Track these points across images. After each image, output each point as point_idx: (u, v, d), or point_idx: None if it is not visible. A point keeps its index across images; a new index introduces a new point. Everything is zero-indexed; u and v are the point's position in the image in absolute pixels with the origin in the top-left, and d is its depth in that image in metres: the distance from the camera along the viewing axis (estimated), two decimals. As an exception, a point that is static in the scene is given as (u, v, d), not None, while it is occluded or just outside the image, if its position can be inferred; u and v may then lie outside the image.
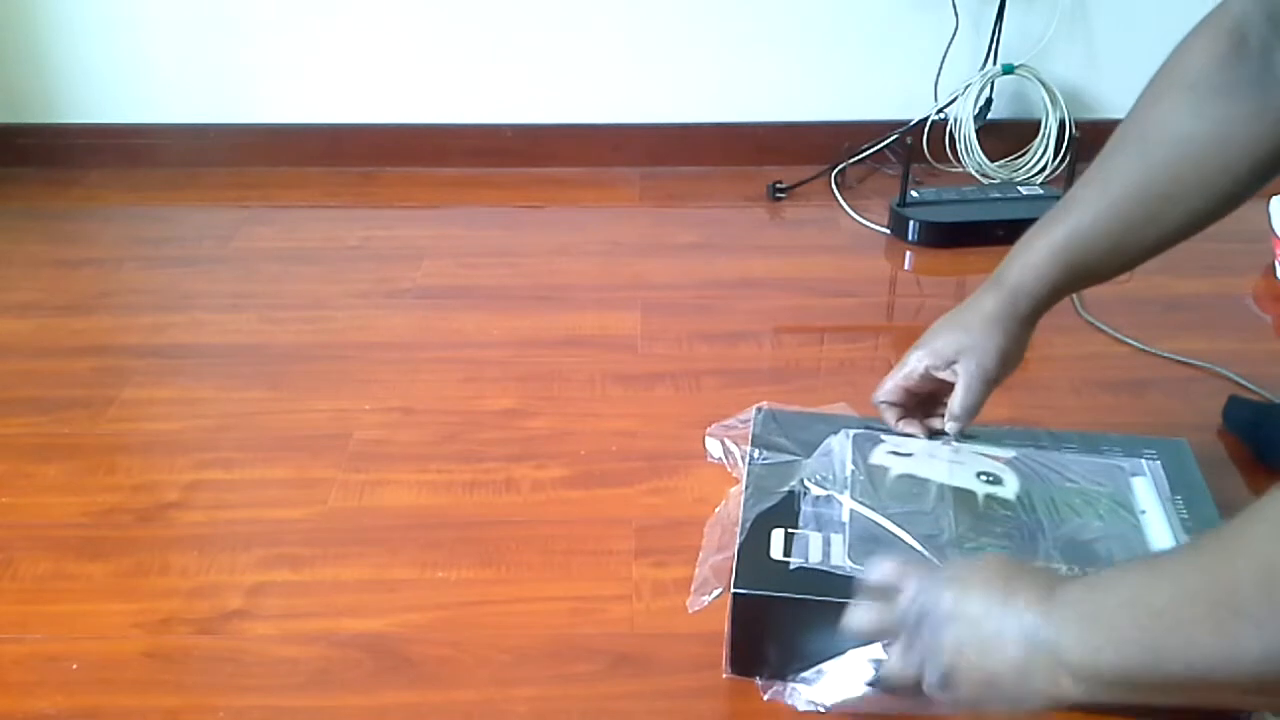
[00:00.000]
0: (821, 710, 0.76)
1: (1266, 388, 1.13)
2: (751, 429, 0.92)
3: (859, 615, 0.67)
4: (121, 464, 1.06)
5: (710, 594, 0.80)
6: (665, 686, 0.80)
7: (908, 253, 1.51)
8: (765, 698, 0.77)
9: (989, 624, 0.59)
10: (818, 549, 0.78)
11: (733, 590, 0.75)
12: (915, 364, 0.86)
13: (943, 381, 0.86)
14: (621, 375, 1.19)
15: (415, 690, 0.80)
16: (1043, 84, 1.67)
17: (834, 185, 1.68)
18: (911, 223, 1.51)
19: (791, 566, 0.77)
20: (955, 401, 0.84)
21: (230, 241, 1.54)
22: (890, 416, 0.90)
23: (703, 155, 1.77)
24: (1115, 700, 0.57)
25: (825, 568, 0.76)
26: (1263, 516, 0.49)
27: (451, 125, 1.77)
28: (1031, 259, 0.82)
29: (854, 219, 1.58)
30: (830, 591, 0.74)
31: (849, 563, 0.77)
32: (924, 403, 0.90)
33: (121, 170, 1.76)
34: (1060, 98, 1.67)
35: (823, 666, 0.75)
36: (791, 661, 0.77)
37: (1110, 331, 1.25)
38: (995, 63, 1.68)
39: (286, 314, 1.34)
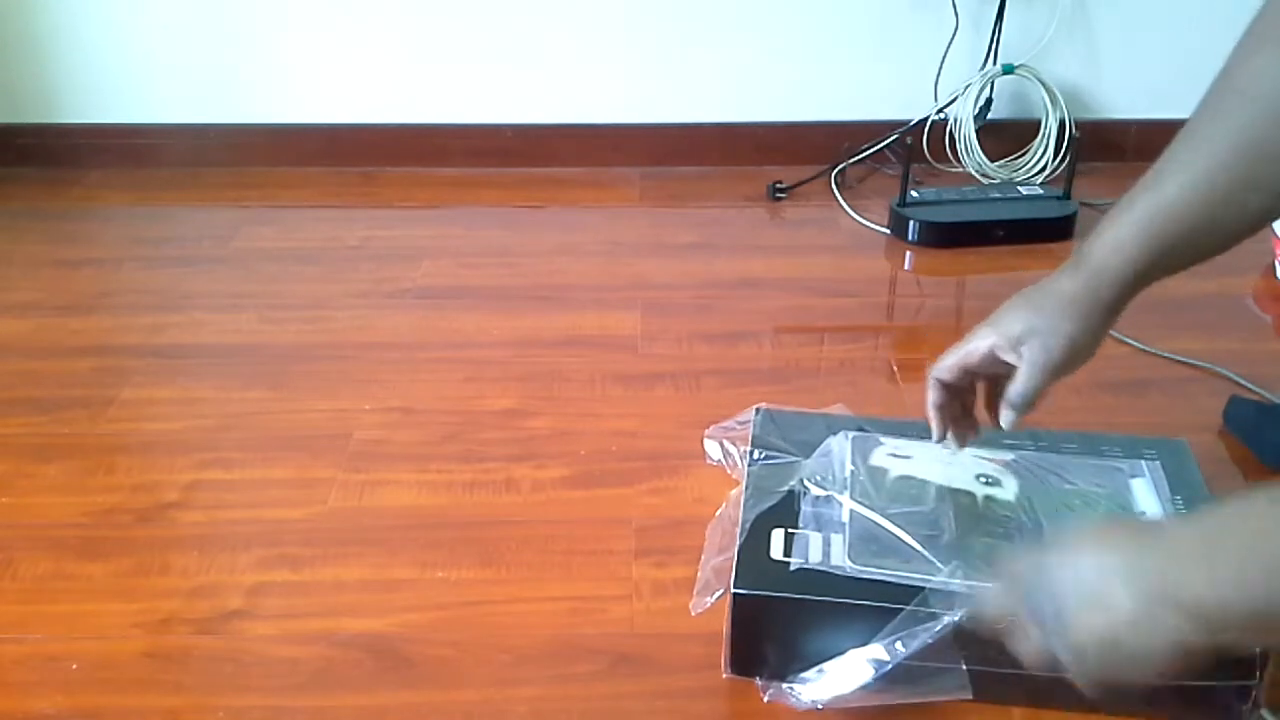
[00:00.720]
0: (818, 708, 0.75)
1: (1266, 388, 1.13)
2: (751, 430, 0.92)
3: (983, 605, 0.67)
4: (121, 464, 1.06)
5: (712, 595, 0.80)
6: (665, 686, 0.80)
7: (908, 253, 1.51)
8: (765, 698, 0.77)
9: (1101, 582, 0.57)
10: (818, 549, 0.78)
11: (732, 590, 0.75)
12: (979, 341, 0.77)
13: (1004, 365, 0.77)
14: (621, 375, 1.19)
15: (415, 690, 0.80)
16: (1043, 84, 1.67)
17: (834, 185, 1.68)
18: (911, 223, 1.51)
19: (791, 567, 0.77)
20: (1014, 388, 0.76)
21: (230, 241, 1.54)
22: (934, 395, 0.81)
23: (703, 155, 1.77)
24: (1238, 644, 0.58)
25: (825, 568, 0.77)
26: None
27: (451, 125, 1.77)
28: (1116, 235, 0.73)
29: (854, 219, 1.58)
30: (830, 592, 0.74)
31: (849, 563, 0.77)
32: (966, 401, 0.82)
33: (122, 170, 1.76)
34: (1060, 98, 1.67)
35: (823, 666, 0.75)
36: (791, 661, 0.77)
37: (1111, 332, 1.25)
38: (995, 63, 1.68)
39: (286, 314, 1.34)
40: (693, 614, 0.81)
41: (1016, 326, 0.75)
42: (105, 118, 1.76)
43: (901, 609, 0.72)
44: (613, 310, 1.33)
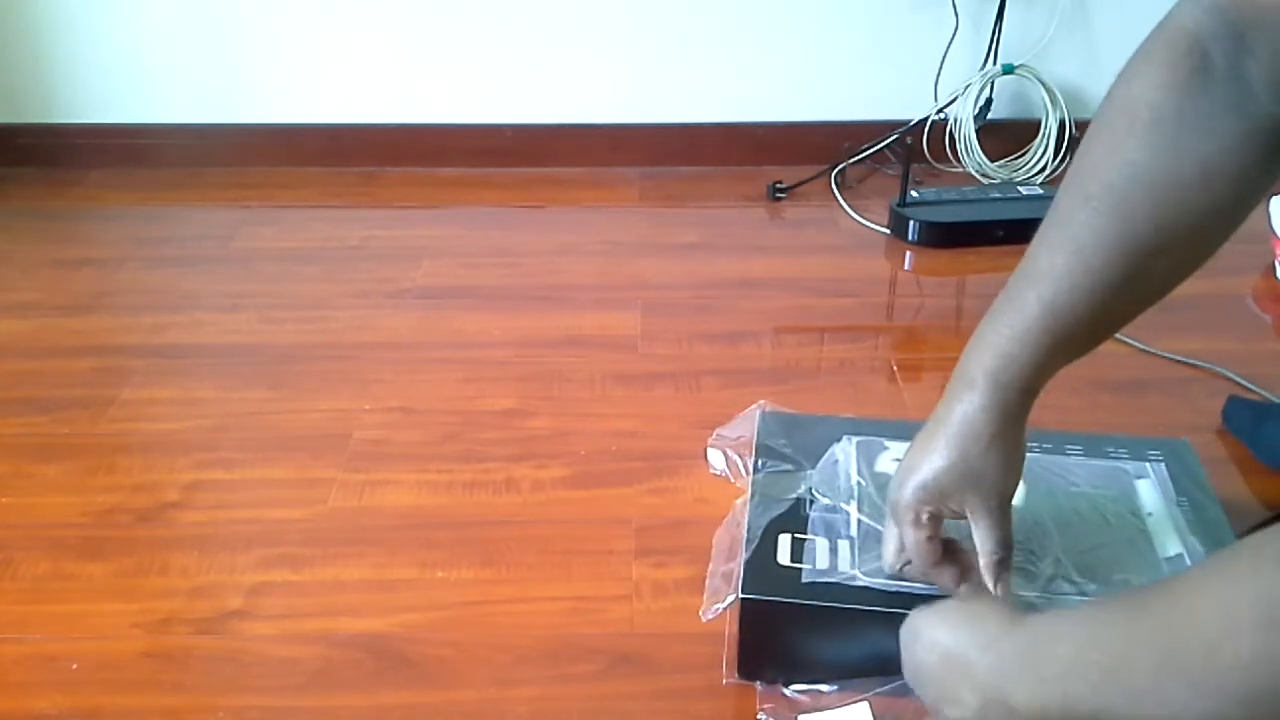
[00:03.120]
0: None
1: (1266, 388, 1.13)
2: (755, 439, 0.91)
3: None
4: (121, 464, 1.06)
5: (723, 601, 0.79)
6: (665, 686, 0.80)
7: (908, 253, 1.51)
8: (758, 709, 0.77)
9: (950, 680, 0.63)
10: (825, 556, 0.78)
11: (740, 595, 0.75)
12: (914, 511, 0.71)
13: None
14: (621, 375, 1.19)
15: (415, 690, 0.80)
16: (1043, 84, 1.67)
17: (834, 185, 1.68)
18: (911, 223, 1.51)
19: (802, 575, 0.76)
20: (986, 541, 0.71)
21: (230, 241, 1.54)
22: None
23: (703, 155, 1.77)
24: None
25: (832, 577, 0.76)
26: (1206, 584, 0.50)
27: (451, 125, 1.77)
28: (1009, 348, 0.68)
29: (854, 219, 1.58)
30: (839, 599, 0.74)
31: (857, 571, 0.77)
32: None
33: (122, 170, 1.76)
34: (1060, 98, 1.67)
35: (828, 703, 0.76)
36: (796, 669, 0.77)
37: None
38: (995, 63, 1.68)
39: (286, 314, 1.34)
40: (703, 620, 0.81)
41: (948, 483, 0.70)
42: (105, 118, 1.76)
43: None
44: (613, 310, 1.33)
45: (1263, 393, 1.12)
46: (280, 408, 1.15)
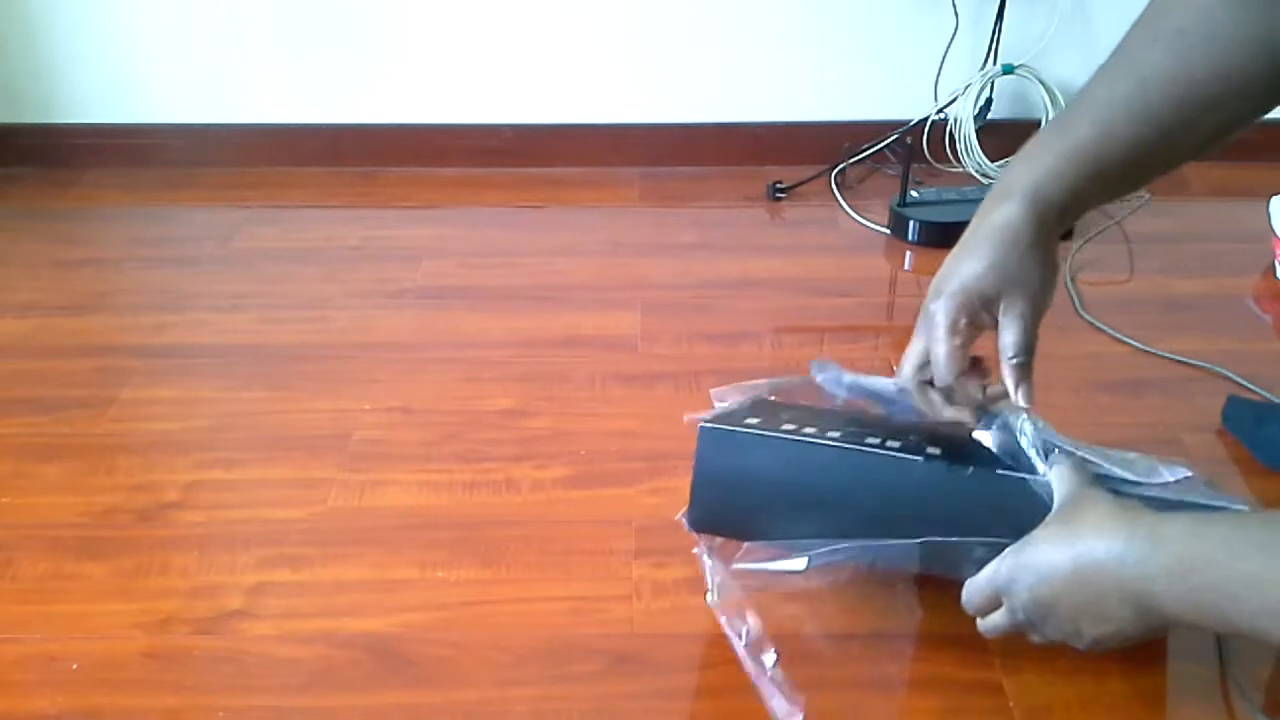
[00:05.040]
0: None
1: (1266, 388, 1.13)
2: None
3: (983, 621, 0.71)
4: (121, 464, 1.06)
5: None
6: (665, 686, 0.80)
7: (908, 253, 1.51)
8: (696, 550, 0.79)
9: (1099, 599, 0.63)
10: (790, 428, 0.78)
11: (700, 423, 0.76)
12: (952, 317, 0.72)
13: (979, 330, 0.74)
14: (621, 375, 1.19)
15: (415, 690, 0.80)
16: (1043, 84, 1.67)
17: (834, 185, 1.68)
18: (911, 223, 1.51)
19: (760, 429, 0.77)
20: (1012, 346, 0.72)
21: (230, 241, 1.54)
22: (937, 398, 0.77)
23: (703, 155, 1.77)
24: None
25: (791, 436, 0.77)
26: None
27: (451, 125, 1.77)
28: (1055, 165, 0.70)
29: (854, 219, 1.58)
30: (791, 442, 0.75)
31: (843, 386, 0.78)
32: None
33: (121, 170, 1.76)
34: (1060, 98, 1.67)
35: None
36: (744, 529, 0.78)
37: (1110, 331, 1.25)
38: (995, 63, 1.68)
39: (286, 314, 1.34)
40: (709, 604, 0.81)
41: (987, 286, 0.72)
42: (105, 118, 1.76)
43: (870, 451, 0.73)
44: (613, 310, 1.33)
45: (1263, 393, 1.12)
46: (280, 408, 1.15)
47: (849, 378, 0.86)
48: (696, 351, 1.24)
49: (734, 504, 0.78)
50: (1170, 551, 0.60)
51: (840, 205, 1.62)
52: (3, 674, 0.82)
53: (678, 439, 1.06)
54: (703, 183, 1.73)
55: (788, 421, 0.80)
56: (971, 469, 0.72)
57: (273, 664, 0.83)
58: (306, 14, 1.69)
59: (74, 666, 0.82)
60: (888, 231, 1.54)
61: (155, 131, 1.77)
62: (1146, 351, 1.21)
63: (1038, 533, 0.68)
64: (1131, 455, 0.83)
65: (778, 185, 1.66)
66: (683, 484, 1.02)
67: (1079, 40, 1.69)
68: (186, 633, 0.86)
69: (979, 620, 0.73)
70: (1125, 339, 1.23)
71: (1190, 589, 0.59)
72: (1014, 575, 0.68)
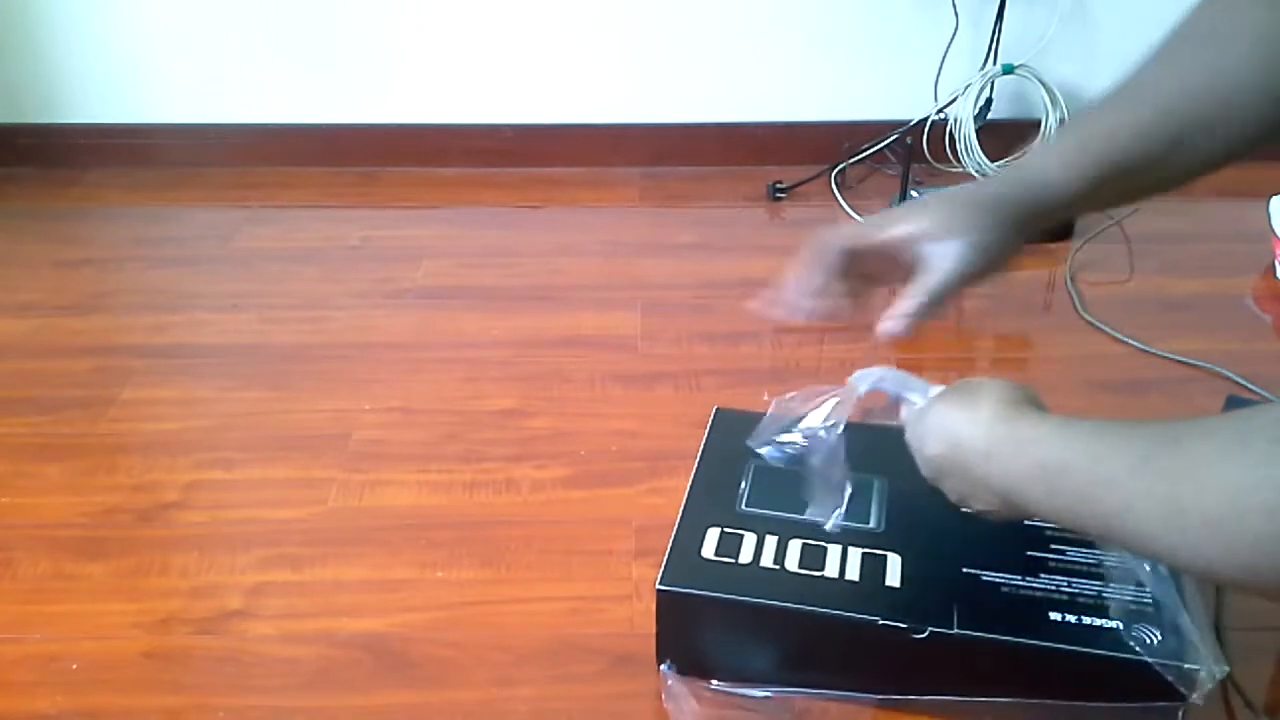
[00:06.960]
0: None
1: (1266, 388, 1.13)
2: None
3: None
4: (121, 464, 1.06)
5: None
6: (665, 686, 0.80)
7: (908, 253, 1.51)
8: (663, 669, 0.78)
9: (969, 475, 0.67)
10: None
11: (657, 588, 0.75)
12: (899, 226, 0.67)
13: (896, 263, 0.70)
14: (621, 375, 1.19)
15: (415, 690, 0.80)
16: (1043, 84, 1.67)
17: (834, 185, 1.68)
18: (911, 223, 1.50)
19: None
20: (919, 284, 0.68)
21: (230, 241, 1.54)
22: (827, 263, 0.73)
23: (703, 155, 1.77)
24: None
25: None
26: (1216, 463, 0.49)
27: (451, 125, 1.77)
28: (1059, 145, 0.67)
29: (854, 219, 1.58)
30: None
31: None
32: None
33: (121, 170, 1.76)
34: (1060, 98, 1.67)
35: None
36: (712, 668, 0.77)
37: (1110, 331, 1.25)
38: (995, 63, 1.68)
39: (286, 314, 1.34)
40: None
41: (928, 221, 0.67)
42: (105, 118, 1.76)
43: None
44: (613, 310, 1.33)
45: (1263, 393, 1.12)
46: (280, 408, 1.15)
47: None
48: (696, 351, 1.24)
49: (696, 650, 0.78)
50: (1032, 456, 0.62)
51: (840, 205, 1.62)
52: (3, 674, 0.82)
53: (678, 439, 1.06)
54: (703, 183, 1.73)
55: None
56: (929, 631, 0.71)
57: (273, 664, 0.83)
58: (307, 14, 1.69)
59: (74, 666, 0.82)
60: (888, 231, 1.54)
61: (156, 131, 1.77)
62: (1146, 351, 1.21)
63: (940, 398, 0.72)
64: None
65: (778, 185, 1.66)
66: (682, 484, 1.02)
67: (1079, 40, 1.69)
68: (186, 633, 0.86)
69: None
70: (1125, 339, 1.23)
71: (1050, 491, 0.60)
72: (919, 436, 0.72)
